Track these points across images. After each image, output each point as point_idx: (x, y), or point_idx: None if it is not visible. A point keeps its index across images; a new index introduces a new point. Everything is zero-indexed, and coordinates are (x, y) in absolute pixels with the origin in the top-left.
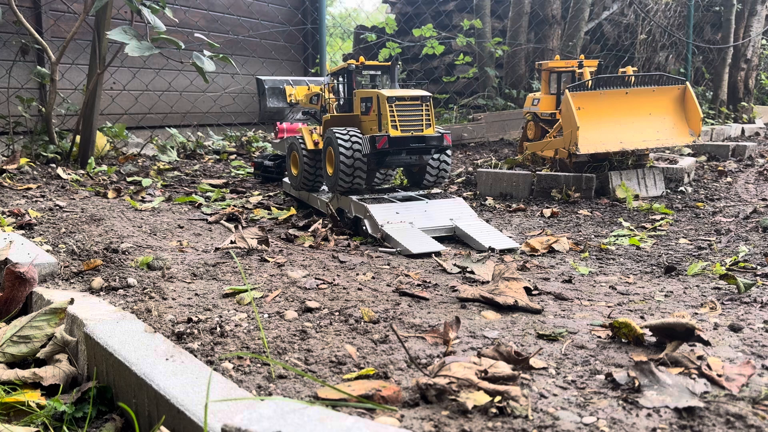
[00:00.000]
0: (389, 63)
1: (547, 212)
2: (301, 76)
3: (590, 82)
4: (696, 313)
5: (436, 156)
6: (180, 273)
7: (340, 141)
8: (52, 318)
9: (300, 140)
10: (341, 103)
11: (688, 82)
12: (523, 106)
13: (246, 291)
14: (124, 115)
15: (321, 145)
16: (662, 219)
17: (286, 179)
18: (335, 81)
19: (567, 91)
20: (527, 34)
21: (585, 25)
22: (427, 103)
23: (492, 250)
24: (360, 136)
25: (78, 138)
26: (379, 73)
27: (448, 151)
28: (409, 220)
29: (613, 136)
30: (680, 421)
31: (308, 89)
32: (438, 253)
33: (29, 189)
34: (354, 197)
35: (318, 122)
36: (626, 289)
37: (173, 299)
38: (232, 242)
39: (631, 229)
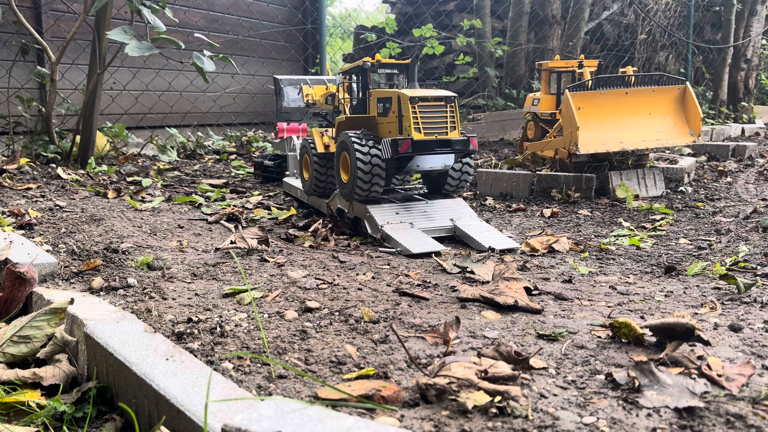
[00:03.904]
0: (408, 61)
1: (547, 212)
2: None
3: (590, 82)
4: (696, 313)
5: (457, 164)
6: (180, 273)
7: (356, 145)
8: (52, 318)
9: (311, 143)
10: (354, 103)
11: (688, 82)
12: (523, 106)
13: (246, 291)
14: (124, 115)
15: (332, 148)
16: (662, 219)
17: (286, 179)
18: (348, 80)
19: (567, 91)
20: (527, 34)
21: (585, 25)
22: (452, 104)
23: (492, 250)
24: (378, 140)
25: (78, 138)
26: (395, 71)
27: (472, 156)
28: (409, 221)
29: (613, 136)
30: (680, 421)
31: (326, 89)
32: (438, 253)
33: (29, 189)
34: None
35: (330, 124)
36: (626, 289)
37: (173, 299)
38: (232, 242)
39: (631, 229)
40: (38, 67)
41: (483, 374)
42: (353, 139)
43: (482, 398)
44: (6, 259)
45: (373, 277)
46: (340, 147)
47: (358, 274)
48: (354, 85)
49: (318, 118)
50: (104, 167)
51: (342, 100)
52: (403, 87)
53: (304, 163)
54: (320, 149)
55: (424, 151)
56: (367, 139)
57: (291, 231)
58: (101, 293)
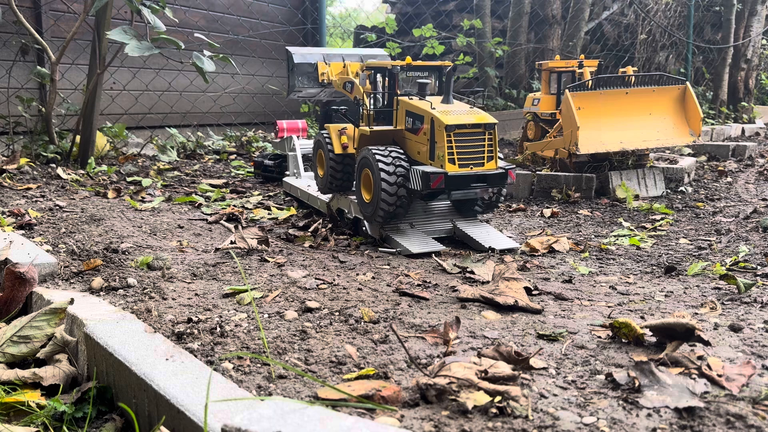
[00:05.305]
0: (446, 63)
1: (547, 212)
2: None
3: (590, 82)
4: (696, 313)
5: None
6: (180, 273)
7: (381, 166)
8: (52, 318)
9: (327, 139)
10: (378, 105)
11: (688, 82)
12: (523, 106)
13: (246, 291)
14: (124, 115)
15: (350, 150)
16: (662, 219)
17: (286, 179)
18: (371, 81)
19: (567, 91)
20: (527, 34)
21: (585, 25)
22: (491, 132)
23: (492, 250)
24: (405, 161)
25: (78, 138)
26: (426, 79)
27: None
28: (409, 221)
29: (614, 136)
30: (680, 421)
31: (344, 66)
32: (438, 253)
33: (29, 189)
34: (353, 197)
35: (351, 122)
36: (626, 289)
37: (173, 299)
38: (232, 242)
39: (631, 229)
40: (38, 67)
41: (483, 374)
42: (378, 157)
43: (482, 398)
44: (6, 259)
45: (373, 277)
46: (363, 163)
47: (358, 274)
48: (378, 86)
49: (335, 113)
50: (104, 167)
51: (364, 104)
52: (434, 95)
53: (318, 158)
54: (338, 150)
55: (458, 188)
56: (393, 158)
57: (291, 231)
58: (101, 293)
